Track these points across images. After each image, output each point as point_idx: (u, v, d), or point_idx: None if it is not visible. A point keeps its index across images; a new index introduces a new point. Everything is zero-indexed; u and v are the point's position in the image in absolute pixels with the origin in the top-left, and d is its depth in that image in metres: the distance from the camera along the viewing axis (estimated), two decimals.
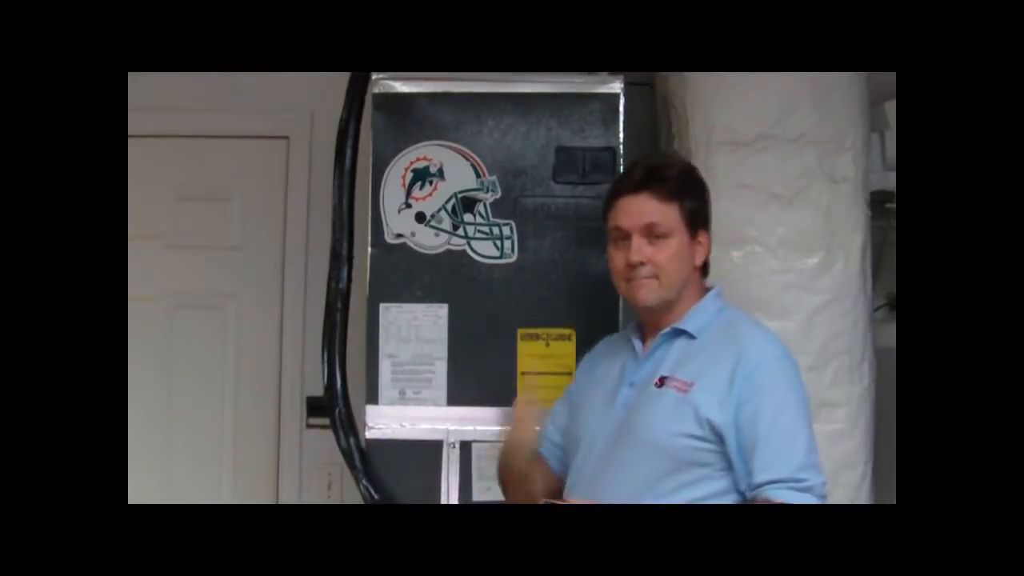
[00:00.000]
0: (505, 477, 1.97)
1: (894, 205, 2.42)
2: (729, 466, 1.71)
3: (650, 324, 1.86)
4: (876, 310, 2.37)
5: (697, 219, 1.84)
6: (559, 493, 1.89)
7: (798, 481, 1.66)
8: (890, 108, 2.46)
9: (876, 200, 2.33)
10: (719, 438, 1.71)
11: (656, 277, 1.80)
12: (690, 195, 1.84)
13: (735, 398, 1.71)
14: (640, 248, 1.79)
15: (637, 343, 1.87)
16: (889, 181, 2.42)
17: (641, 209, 1.81)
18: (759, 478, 1.67)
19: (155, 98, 2.75)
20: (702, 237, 1.85)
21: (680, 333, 1.82)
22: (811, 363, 2.14)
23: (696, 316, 1.83)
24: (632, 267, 1.80)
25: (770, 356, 1.76)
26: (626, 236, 1.81)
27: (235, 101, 2.93)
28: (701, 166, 2.19)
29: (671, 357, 1.80)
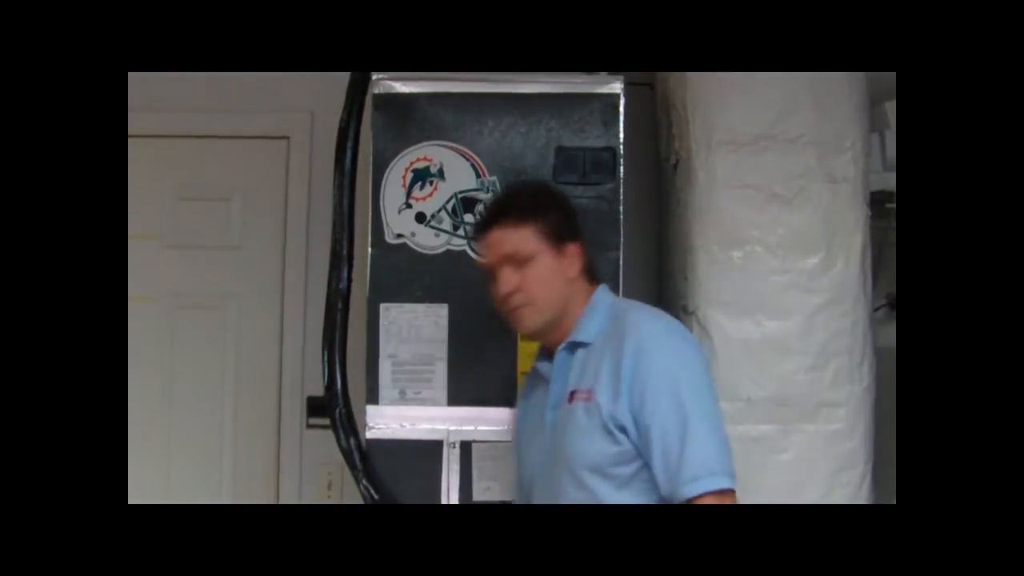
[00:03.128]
0: None
1: (894, 205, 2.42)
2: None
3: (549, 344, 1.87)
4: (876, 310, 2.37)
5: (561, 233, 1.83)
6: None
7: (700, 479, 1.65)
8: (890, 108, 2.46)
9: (876, 200, 2.33)
10: (624, 431, 1.70)
11: (529, 304, 1.80)
12: (544, 213, 1.83)
13: (625, 386, 1.70)
14: (506, 278, 1.81)
15: (544, 366, 1.87)
16: (889, 181, 2.42)
17: (496, 240, 1.83)
18: (667, 487, 1.67)
19: (155, 98, 2.75)
20: (571, 249, 1.83)
21: (576, 346, 1.81)
22: (811, 363, 2.14)
23: (585, 324, 1.82)
24: (504, 299, 1.81)
25: (649, 334, 1.74)
26: (493, 271, 1.83)
27: (235, 101, 2.93)
28: (701, 166, 2.21)
29: (574, 370, 1.80)
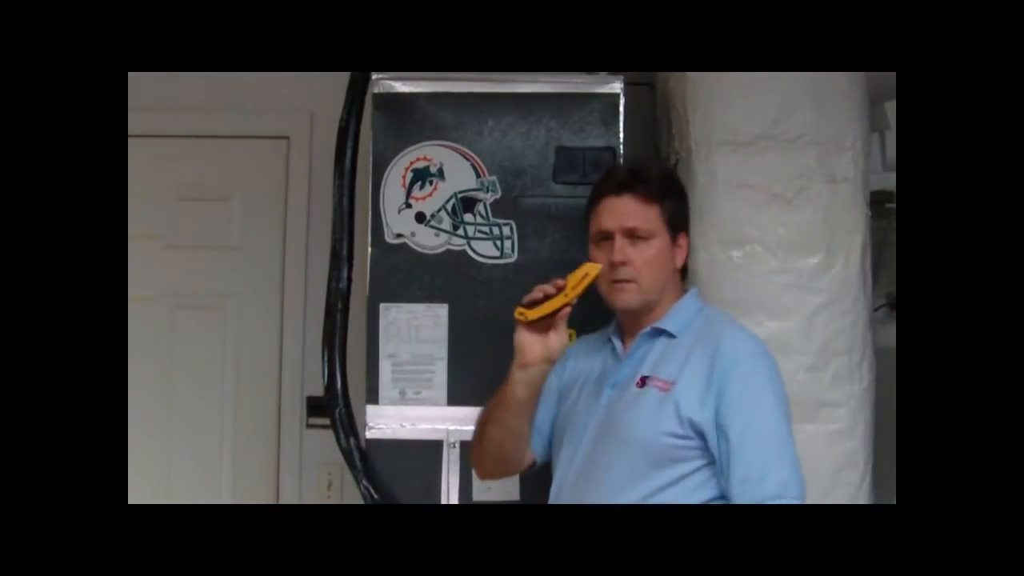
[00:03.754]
0: (500, 405, 1.86)
1: (894, 205, 2.42)
2: (712, 461, 1.72)
3: (630, 325, 1.88)
4: (876, 310, 2.37)
5: (678, 222, 1.87)
6: (523, 466, 1.93)
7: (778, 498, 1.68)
8: (890, 108, 2.46)
9: (876, 200, 2.33)
10: (700, 435, 1.72)
11: (635, 281, 1.81)
12: (671, 198, 1.87)
13: (714, 395, 1.72)
14: (622, 249, 1.81)
15: (618, 344, 1.88)
16: (889, 181, 2.42)
17: (624, 211, 1.82)
18: (741, 498, 1.69)
19: (155, 98, 2.75)
20: (682, 240, 1.88)
21: (660, 333, 1.83)
22: (811, 363, 2.14)
23: (676, 315, 1.84)
24: (614, 267, 1.81)
25: (747, 353, 1.77)
26: (608, 237, 1.83)
27: (235, 101, 2.93)
28: (701, 166, 2.21)
29: (652, 357, 1.81)
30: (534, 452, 1.95)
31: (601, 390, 1.85)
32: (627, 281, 1.81)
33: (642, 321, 1.85)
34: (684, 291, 1.91)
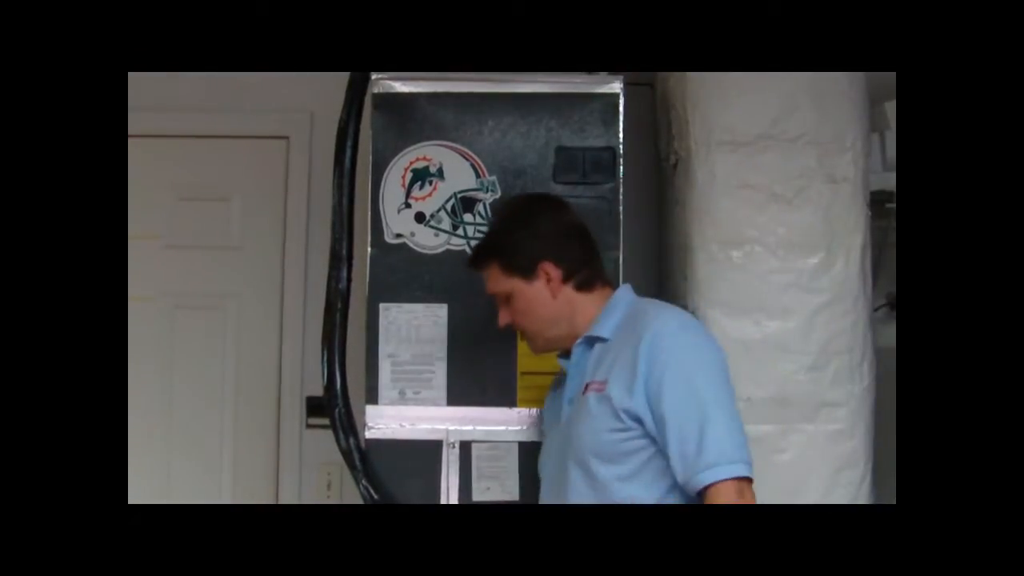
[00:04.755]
0: None
1: (894, 205, 2.42)
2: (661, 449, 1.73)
3: (568, 347, 1.90)
4: (876, 310, 2.37)
5: (525, 261, 1.86)
6: None
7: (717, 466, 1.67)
8: (890, 108, 2.46)
9: (876, 200, 2.33)
10: (639, 422, 1.72)
11: (524, 333, 1.92)
12: (501, 248, 1.89)
13: (642, 380, 1.72)
14: (501, 314, 1.92)
15: (563, 363, 1.92)
16: (889, 181, 2.41)
17: (483, 281, 1.94)
18: (683, 475, 1.69)
19: (155, 98, 2.75)
20: (544, 268, 1.85)
21: (593, 340, 1.85)
22: (811, 363, 2.14)
23: (603, 320, 1.86)
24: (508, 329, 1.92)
25: (666, 331, 1.76)
26: None
27: (235, 101, 2.93)
28: (701, 166, 2.21)
29: (590, 364, 1.83)
30: None
31: (563, 411, 1.89)
32: (522, 335, 1.93)
33: (571, 343, 1.88)
34: (607, 295, 1.89)
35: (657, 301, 1.94)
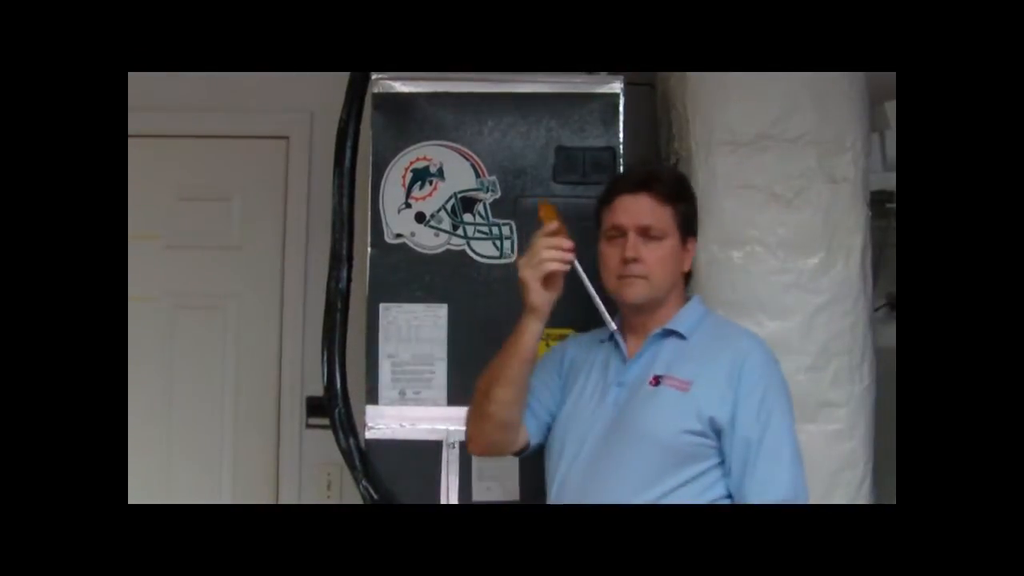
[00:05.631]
0: (508, 363, 1.85)
1: (894, 205, 2.41)
2: (722, 460, 1.75)
3: (635, 324, 1.88)
4: (876, 310, 2.37)
5: (689, 226, 1.90)
6: (520, 443, 1.90)
7: None
8: (890, 108, 2.46)
9: (876, 200, 2.33)
10: (718, 434, 1.75)
11: (646, 277, 1.83)
12: (684, 201, 1.90)
13: (732, 396, 1.75)
14: (635, 246, 1.83)
15: (622, 343, 1.88)
16: (889, 181, 2.41)
17: (639, 209, 1.84)
18: (738, 494, 1.73)
19: (155, 98, 2.75)
20: (691, 244, 1.91)
21: (670, 334, 1.85)
22: (811, 363, 2.14)
23: (685, 318, 1.87)
24: (626, 263, 1.82)
25: (763, 359, 1.82)
26: (622, 233, 1.84)
27: (235, 101, 2.93)
28: (701, 166, 2.21)
29: (663, 357, 1.83)
30: (529, 433, 1.91)
31: (607, 389, 1.85)
32: (638, 277, 1.83)
33: (648, 322, 1.86)
34: (687, 297, 1.93)
35: (734, 322, 2.00)
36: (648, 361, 1.84)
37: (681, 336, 1.85)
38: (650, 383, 1.80)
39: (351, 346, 2.28)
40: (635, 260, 1.82)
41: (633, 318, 1.89)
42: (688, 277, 1.94)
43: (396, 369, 2.22)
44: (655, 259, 1.83)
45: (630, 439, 1.78)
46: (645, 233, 1.83)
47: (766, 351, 1.84)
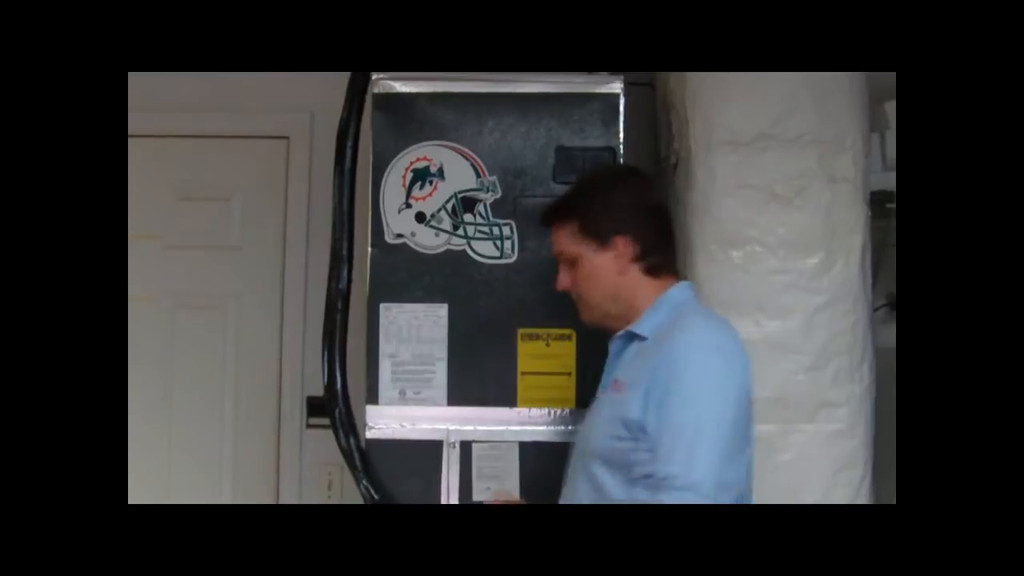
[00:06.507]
0: None
1: (894, 205, 2.42)
2: None
3: (617, 328, 1.86)
4: (876, 310, 2.37)
5: (602, 228, 1.81)
6: None
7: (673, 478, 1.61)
8: (890, 108, 2.46)
9: (876, 200, 2.33)
10: (645, 433, 1.67)
11: (580, 300, 1.87)
12: (583, 211, 1.84)
13: (651, 392, 1.67)
14: (560, 275, 1.88)
15: (609, 348, 1.88)
16: (889, 181, 2.41)
17: (552, 239, 1.91)
18: (644, 469, 1.64)
19: (155, 98, 2.75)
20: (618, 242, 1.80)
21: (632, 336, 1.81)
22: (811, 363, 2.14)
23: (648, 317, 1.80)
24: (564, 292, 1.88)
25: (686, 346, 1.69)
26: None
27: (235, 101, 2.93)
28: (701, 166, 2.21)
29: (624, 360, 1.81)
30: None
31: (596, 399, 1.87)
32: (576, 301, 1.88)
33: (618, 329, 1.85)
34: (668, 286, 1.83)
35: (703, 309, 1.88)
36: (613, 366, 1.83)
37: (642, 337, 1.79)
38: (609, 389, 1.79)
39: (351, 346, 2.28)
40: (564, 289, 1.87)
41: (609, 331, 1.87)
42: (655, 269, 1.81)
43: (396, 369, 2.22)
44: (579, 281, 1.85)
45: (580, 452, 1.79)
46: (565, 260, 1.87)
47: (694, 339, 1.71)
